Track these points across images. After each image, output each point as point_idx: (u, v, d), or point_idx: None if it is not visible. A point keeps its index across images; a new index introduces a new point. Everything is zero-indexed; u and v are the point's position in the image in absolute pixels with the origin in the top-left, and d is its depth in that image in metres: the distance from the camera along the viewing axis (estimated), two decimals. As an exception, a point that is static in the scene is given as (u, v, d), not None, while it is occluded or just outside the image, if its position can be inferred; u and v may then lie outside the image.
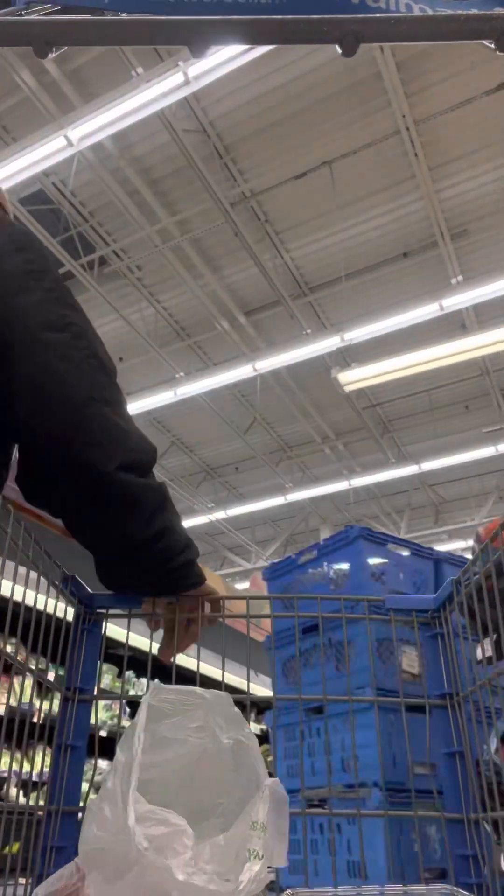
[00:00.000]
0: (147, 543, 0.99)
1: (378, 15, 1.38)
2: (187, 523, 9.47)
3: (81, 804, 1.04)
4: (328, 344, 7.04)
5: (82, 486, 0.95)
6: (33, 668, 1.01)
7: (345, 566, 2.50)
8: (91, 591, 1.14)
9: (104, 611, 1.13)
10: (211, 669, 1.74)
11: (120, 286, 7.98)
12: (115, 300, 7.98)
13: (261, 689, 4.82)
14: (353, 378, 6.93)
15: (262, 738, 4.66)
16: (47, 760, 2.88)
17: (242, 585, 12.25)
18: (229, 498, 11.92)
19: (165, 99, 5.29)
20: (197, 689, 0.78)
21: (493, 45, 1.41)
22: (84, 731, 1.07)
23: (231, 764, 0.75)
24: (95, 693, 1.10)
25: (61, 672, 1.11)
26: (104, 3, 1.40)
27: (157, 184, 6.87)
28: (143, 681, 4.75)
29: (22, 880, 1.05)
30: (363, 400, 9.64)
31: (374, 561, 2.48)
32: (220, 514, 11.30)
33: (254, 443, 10.54)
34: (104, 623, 1.13)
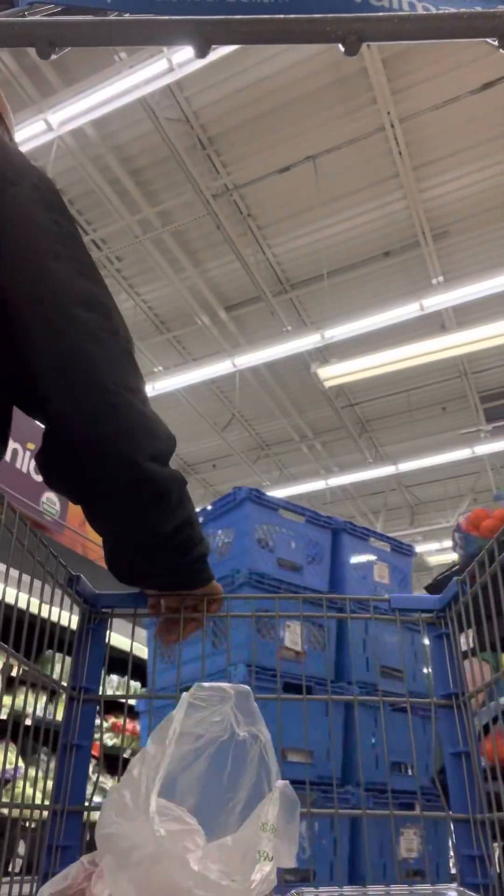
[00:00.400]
0: (170, 536, 0.97)
1: (381, 14, 1.39)
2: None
3: (87, 803, 1.05)
4: (308, 341, 7.00)
5: (111, 476, 0.91)
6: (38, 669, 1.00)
7: (230, 532, 2.34)
8: (96, 591, 1.13)
9: (109, 611, 1.14)
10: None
11: (99, 277, 7.86)
12: (94, 291, 7.85)
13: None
14: (333, 374, 6.91)
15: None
16: (11, 757, 2.78)
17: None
18: (206, 495, 11.85)
19: (149, 86, 5.21)
20: (225, 685, 0.79)
21: (496, 43, 1.41)
22: (89, 731, 1.07)
23: (243, 758, 0.76)
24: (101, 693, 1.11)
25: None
26: (107, 3, 1.41)
27: (139, 173, 6.78)
28: (115, 677, 4.66)
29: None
30: (342, 399, 9.64)
31: (263, 527, 2.32)
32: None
33: (232, 440, 10.48)
34: (109, 623, 1.13)
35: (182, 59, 4.98)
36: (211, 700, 0.78)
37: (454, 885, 0.84)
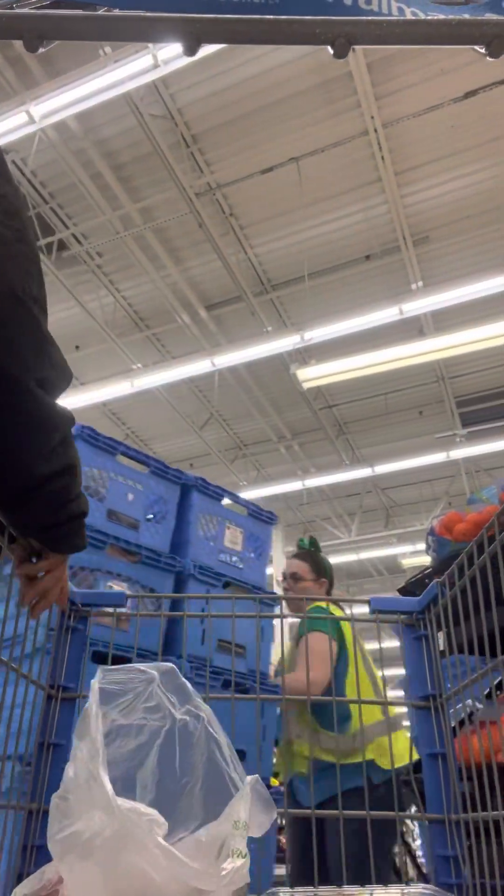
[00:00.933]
0: (48, 479, 0.85)
1: (370, 18, 1.41)
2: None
3: None
4: (288, 342, 7.01)
5: None
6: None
7: None
8: (76, 589, 1.12)
9: (89, 609, 1.13)
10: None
11: (78, 272, 7.79)
12: (73, 286, 7.78)
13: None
14: (312, 375, 6.93)
15: None
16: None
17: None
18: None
19: (133, 81, 5.17)
20: (142, 665, 0.76)
21: (483, 50, 1.43)
22: (68, 730, 1.05)
23: (189, 740, 0.74)
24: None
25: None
26: None
27: (122, 169, 6.73)
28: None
29: None
30: (320, 400, 9.68)
31: (94, 472, 2.02)
32: (172, 510, 11.17)
33: (209, 439, 10.46)
34: (89, 621, 1.13)
35: (167, 55, 4.95)
36: (130, 683, 0.74)
37: (429, 884, 0.85)
